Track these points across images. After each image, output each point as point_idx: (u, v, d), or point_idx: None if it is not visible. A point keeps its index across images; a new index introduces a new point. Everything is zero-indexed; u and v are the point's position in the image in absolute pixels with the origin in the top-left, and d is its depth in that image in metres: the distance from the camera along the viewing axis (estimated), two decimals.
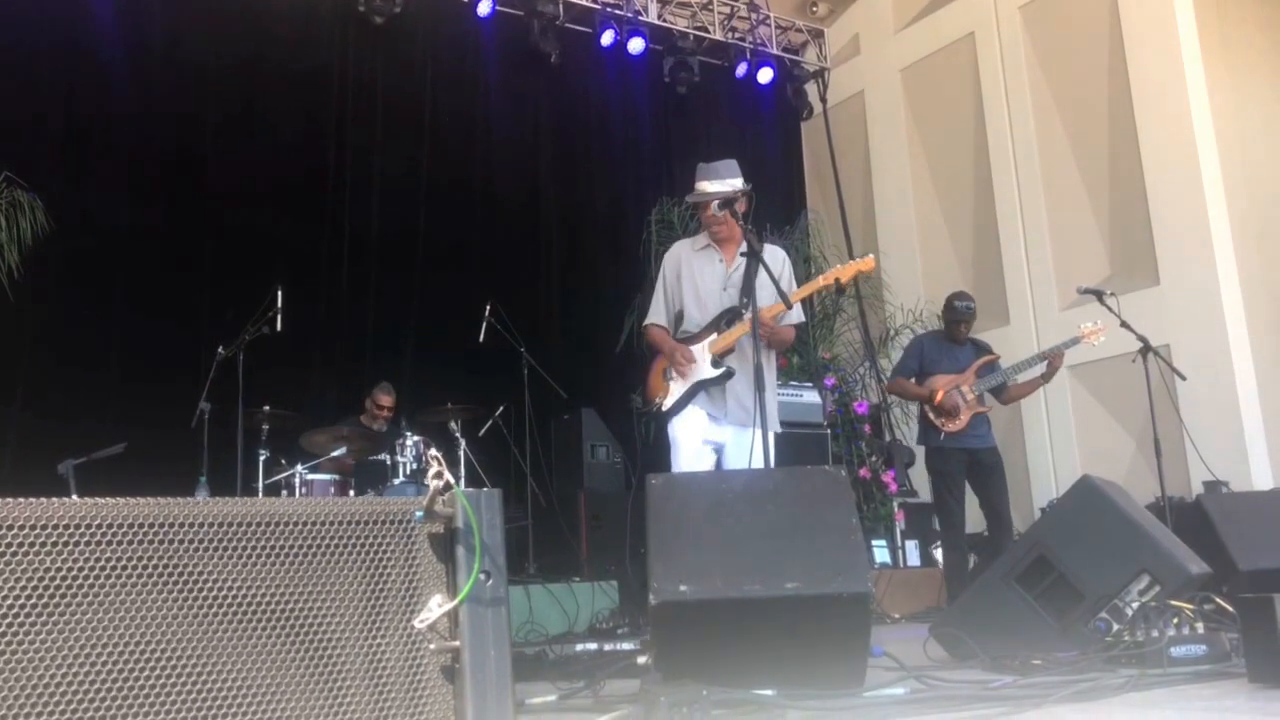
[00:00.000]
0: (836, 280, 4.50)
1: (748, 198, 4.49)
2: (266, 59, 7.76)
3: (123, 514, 1.75)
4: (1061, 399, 8.32)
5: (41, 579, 1.69)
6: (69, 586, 1.70)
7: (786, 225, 9.40)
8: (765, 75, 9.84)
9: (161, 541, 1.77)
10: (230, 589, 1.80)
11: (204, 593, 1.79)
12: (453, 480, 1.93)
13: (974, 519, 6.20)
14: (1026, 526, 6.72)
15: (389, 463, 6.43)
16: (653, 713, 2.55)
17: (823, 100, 10.44)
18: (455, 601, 1.91)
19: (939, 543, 7.78)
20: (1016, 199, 8.83)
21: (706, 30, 9.74)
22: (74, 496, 5.28)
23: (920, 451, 7.53)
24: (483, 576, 1.92)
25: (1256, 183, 8.30)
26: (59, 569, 1.70)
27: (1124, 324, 5.98)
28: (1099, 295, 6.14)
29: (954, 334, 6.17)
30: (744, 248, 4.39)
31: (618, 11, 9.15)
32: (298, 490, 6.15)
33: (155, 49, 7.45)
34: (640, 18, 9.23)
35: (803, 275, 8.71)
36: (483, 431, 6.99)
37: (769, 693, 2.81)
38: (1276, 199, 8.51)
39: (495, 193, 8.68)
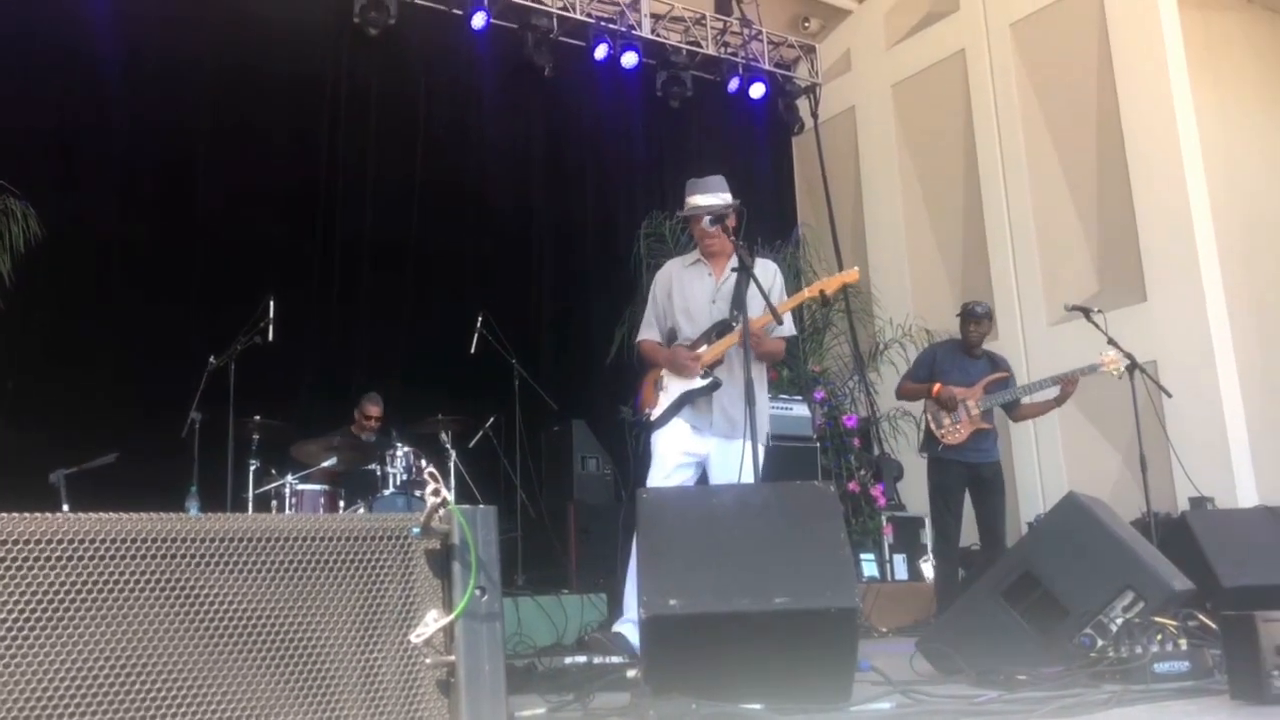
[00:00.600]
0: (821, 292, 4.53)
1: (738, 213, 4.53)
2: (261, 69, 7.77)
3: (121, 529, 1.77)
4: (1049, 415, 8.34)
5: (41, 594, 1.70)
6: (68, 601, 1.71)
7: (777, 239, 9.44)
8: (757, 90, 9.90)
9: (160, 556, 1.79)
10: (228, 604, 1.82)
11: (202, 607, 1.81)
12: (449, 497, 1.95)
13: (966, 533, 6.23)
14: (1013, 542, 6.76)
15: (379, 473, 6.44)
16: None
17: (814, 115, 10.50)
18: (451, 616, 1.94)
19: (927, 557, 7.82)
20: (1005, 215, 8.89)
21: (699, 45, 9.79)
22: (65, 506, 5.29)
23: (911, 465, 7.57)
24: (478, 592, 1.95)
25: (1242, 201, 8.39)
26: (59, 584, 1.71)
27: (1111, 341, 6.02)
28: (1086, 312, 6.18)
29: (967, 340, 6.11)
30: (734, 262, 4.43)
31: (611, 26, 9.20)
32: (288, 500, 6.16)
33: (149, 58, 7.45)
34: (634, 32, 9.28)
35: (793, 289, 8.75)
36: (473, 442, 7.00)
37: (757, 707, 2.83)
38: (1262, 218, 8.61)
39: (487, 204, 8.71)
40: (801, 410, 7.76)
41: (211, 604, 1.81)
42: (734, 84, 9.86)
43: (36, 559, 1.70)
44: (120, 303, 7.05)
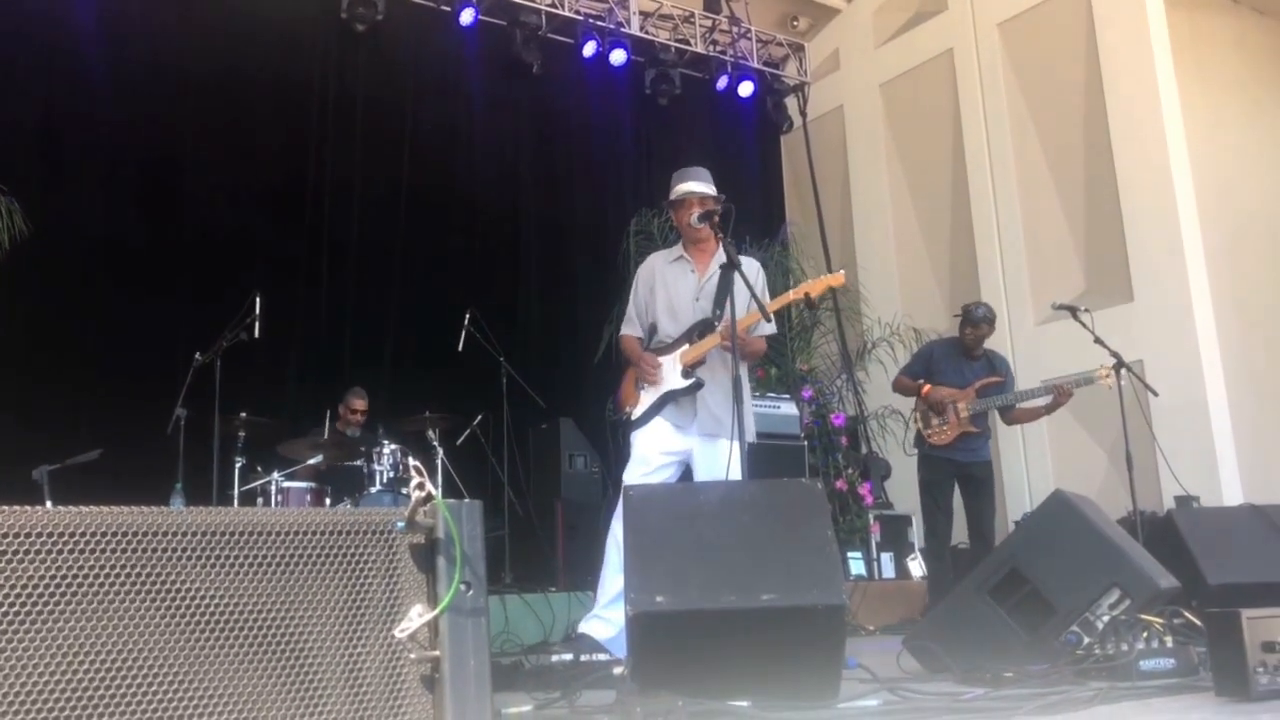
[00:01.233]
0: (807, 295, 4.52)
1: (726, 212, 4.50)
2: (247, 65, 7.74)
3: (103, 523, 1.75)
4: None
5: (21, 588, 1.69)
6: (49, 595, 1.70)
7: (765, 238, 9.45)
8: (746, 89, 9.90)
9: (142, 551, 1.77)
10: (210, 598, 1.81)
11: (184, 602, 1.79)
12: (434, 491, 1.94)
13: (956, 532, 6.25)
14: (1002, 539, 6.78)
15: (366, 471, 6.42)
16: None
17: (802, 114, 10.51)
18: (436, 611, 1.93)
19: (914, 555, 7.84)
20: (993, 214, 8.91)
21: (688, 43, 9.79)
22: (48, 502, 5.26)
23: (899, 464, 7.58)
24: (463, 587, 1.94)
25: (1229, 201, 8.42)
26: (39, 578, 1.70)
27: (1098, 340, 6.04)
28: (1073, 311, 6.19)
29: (964, 341, 6.11)
30: (720, 259, 4.42)
31: (600, 23, 9.19)
32: (274, 498, 6.13)
33: (136, 54, 7.42)
34: (622, 30, 9.27)
35: (781, 288, 8.75)
36: (460, 440, 6.99)
37: (744, 704, 2.83)
38: (1248, 217, 8.65)
39: (475, 201, 8.69)
40: (789, 409, 7.77)
41: (194, 599, 1.80)
42: (722, 82, 9.86)
43: (15, 553, 1.69)
44: (106, 299, 7.01)
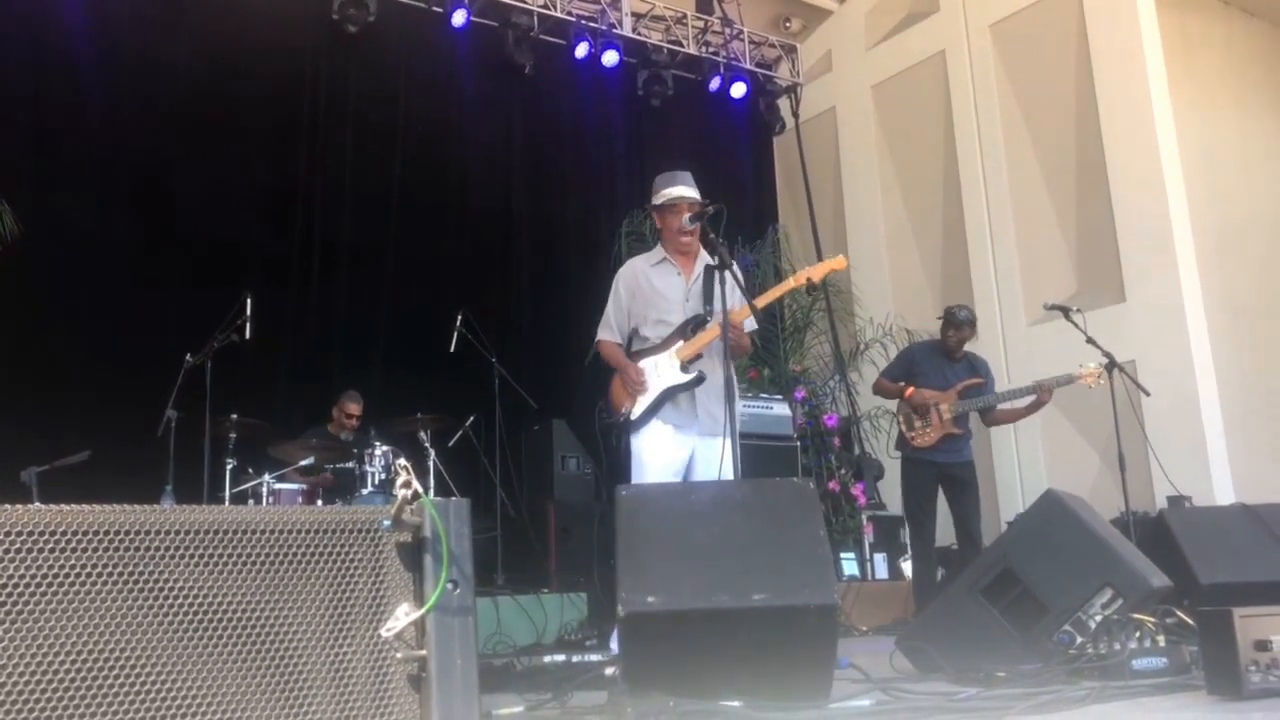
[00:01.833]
0: (809, 280, 4.50)
1: (719, 213, 4.50)
2: (238, 66, 7.72)
3: (88, 521, 1.74)
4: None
5: (5, 586, 1.67)
6: (33, 594, 1.68)
7: (757, 239, 9.46)
8: (738, 90, 9.90)
9: (127, 549, 1.76)
10: (196, 597, 1.79)
11: (169, 600, 1.78)
12: (421, 489, 1.93)
13: (944, 532, 6.25)
14: (995, 539, 6.78)
15: (357, 472, 6.40)
16: None
17: (795, 115, 10.51)
18: (422, 610, 1.91)
19: (907, 556, 7.83)
20: (985, 216, 8.92)
21: (680, 44, 9.79)
22: (36, 504, 5.21)
23: (891, 464, 7.58)
24: (450, 585, 1.92)
25: (1220, 202, 8.44)
26: (23, 576, 1.68)
27: (1090, 340, 6.05)
28: (1065, 311, 6.20)
29: (946, 343, 6.12)
30: (704, 261, 4.44)
31: (592, 24, 9.18)
32: (265, 499, 6.11)
33: (126, 55, 7.39)
34: (614, 30, 9.27)
35: (770, 288, 8.75)
36: (453, 442, 6.97)
37: (736, 704, 2.82)
38: (1239, 218, 8.66)
39: (467, 202, 8.67)
40: (782, 409, 7.76)
41: (179, 597, 1.78)
42: (715, 83, 9.85)
43: (1, 551, 1.67)
44: (96, 300, 6.98)
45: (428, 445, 6.59)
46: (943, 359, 6.12)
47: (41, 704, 1.66)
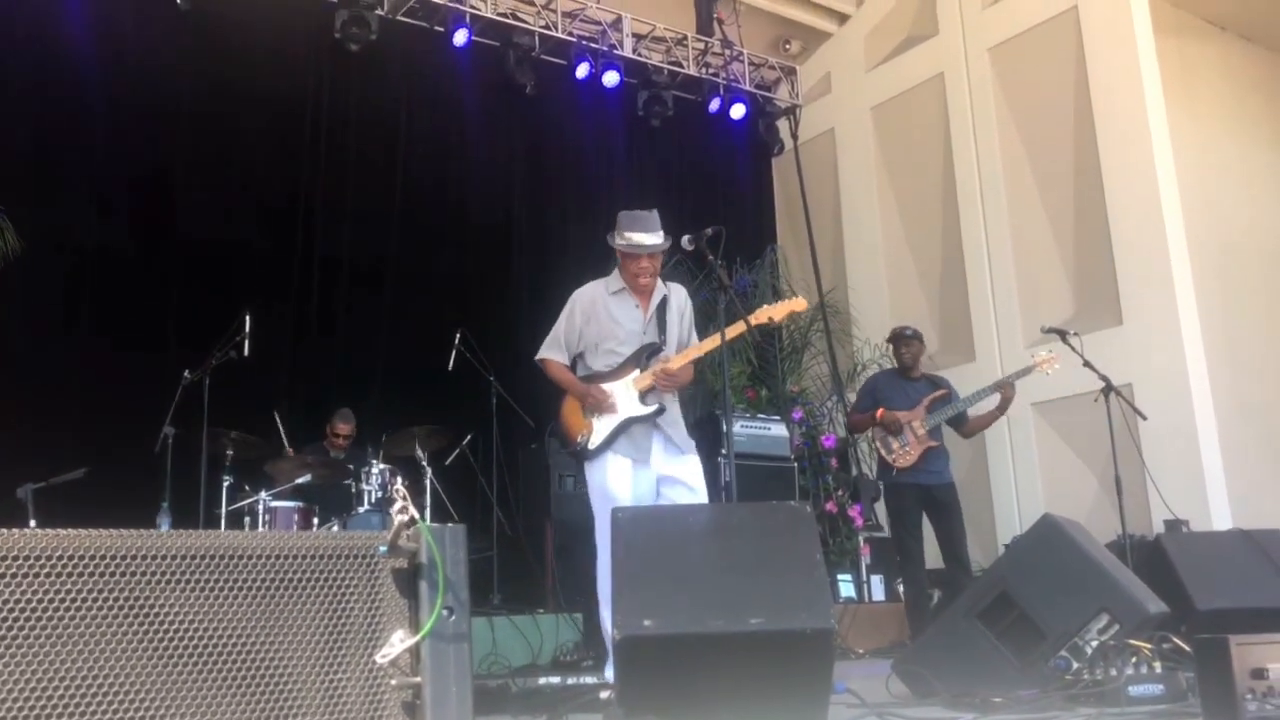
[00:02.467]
0: (770, 318, 4.53)
1: (718, 234, 4.49)
2: (241, 83, 7.73)
3: (84, 545, 1.74)
4: (1026, 436, 8.40)
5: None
6: (28, 618, 1.68)
7: (756, 259, 9.47)
8: (738, 111, 9.93)
9: (122, 574, 1.76)
10: (190, 622, 1.79)
11: (164, 626, 1.77)
12: (417, 515, 1.92)
13: (935, 555, 6.24)
14: (991, 562, 6.77)
15: (354, 490, 6.39)
16: None
17: (794, 136, 10.54)
18: (418, 637, 1.91)
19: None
20: (983, 238, 8.94)
21: (680, 65, 9.83)
22: (32, 521, 5.20)
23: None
24: (446, 612, 1.92)
25: (1217, 226, 8.47)
26: (18, 600, 1.68)
27: (1087, 364, 6.06)
28: (1062, 335, 6.23)
29: (901, 363, 6.32)
30: (661, 293, 4.52)
31: (593, 45, 9.22)
32: (261, 517, 6.09)
33: (129, 72, 7.41)
34: (615, 51, 9.30)
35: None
36: (450, 460, 6.96)
37: None
38: (1236, 243, 8.70)
39: (467, 221, 8.68)
40: (779, 430, 7.76)
41: (173, 622, 1.78)
42: (715, 104, 9.89)
43: None
44: (96, 315, 6.99)
45: (425, 463, 6.57)
46: (903, 381, 6.29)
47: None
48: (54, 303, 6.86)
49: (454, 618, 1.93)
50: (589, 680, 4.26)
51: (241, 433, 6.27)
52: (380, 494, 6.33)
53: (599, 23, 9.31)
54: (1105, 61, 8.16)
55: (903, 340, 6.31)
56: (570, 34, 9.17)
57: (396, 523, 1.92)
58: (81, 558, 1.74)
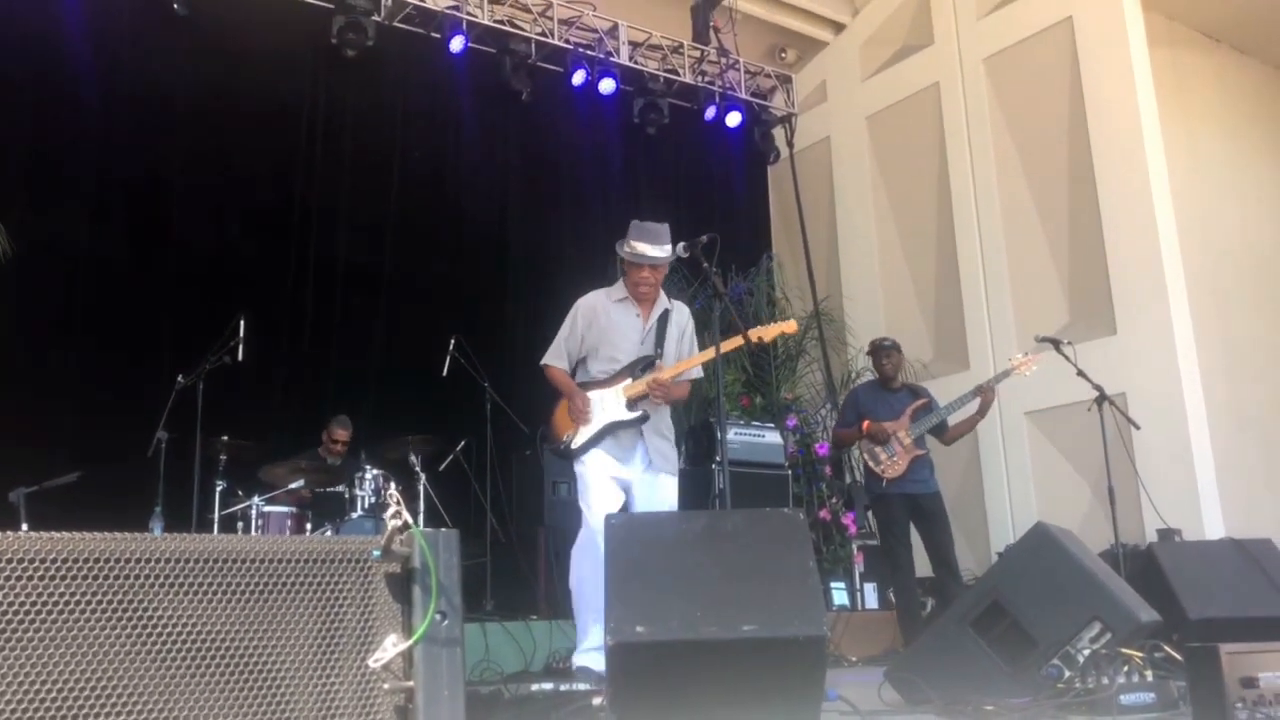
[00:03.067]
0: (759, 339, 4.63)
1: (713, 241, 4.53)
2: (237, 88, 7.74)
3: (76, 549, 1.73)
4: (1019, 445, 8.42)
5: None
6: (20, 621, 1.68)
7: (751, 267, 9.49)
8: (733, 119, 9.94)
9: (115, 577, 1.75)
10: (183, 626, 1.79)
11: (157, 629, 1.77)
12: (410, 520, 1.93)
13: (925, 564, 6.25)
14: (984, 570, 6.78)
15: (347, 496, 6.39)
16: None
17: (789, 145, 10.56)
18: (410, 641, 1.91)
19: None
20: (978, 247, 8.96)
21: (677, 73, 9.84)
22: (24, 525, 5.19)
23: None
24: (438, 617, 1.92)
25: (1210, 236, 8.50)
26: (10, 604, 1.67)
27: (1080, 373, 6.08)
28: (1056, 344, 6.24)
29: (883, 374, 6.37)
30: (663, 306, 4.66)
31: (589, 52, 9.23)
32: (254, 522, 6.09)
33: (123, 75, 7.41)
34: (612, 59, 9.32)
35: (766, 317, 8.79)
36: (443, 466, 6.95)
37: None
38: (1229, 252, 8.73)
39: (463, 227, 8.69)
40: (774, 437, 7.77)
41: (166, 626, 1.78)
42: (711, 112, 9.91)
43: None
44: (89, 320, 6.97)
45: (418, 469, 6.57)
46: (884, 393, 6.35)
47: None
48: (48, 306, 6.85)
49: (447, 623, 1.93)
50: (581, 687, 4.26)
51: (235, 438, 6.26)
52: (374, 499, 6.32)
53: (595, 30, 9.33)
54: (1100, 72, 8.20)
55: (883, 352, 6.36)
56: (566, 41, 9.19)
57: (390, 528, 1.92)
58: (74, 561, 1.74)
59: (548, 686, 4.32)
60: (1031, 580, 3.74)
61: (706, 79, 10.01)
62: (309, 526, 6.27)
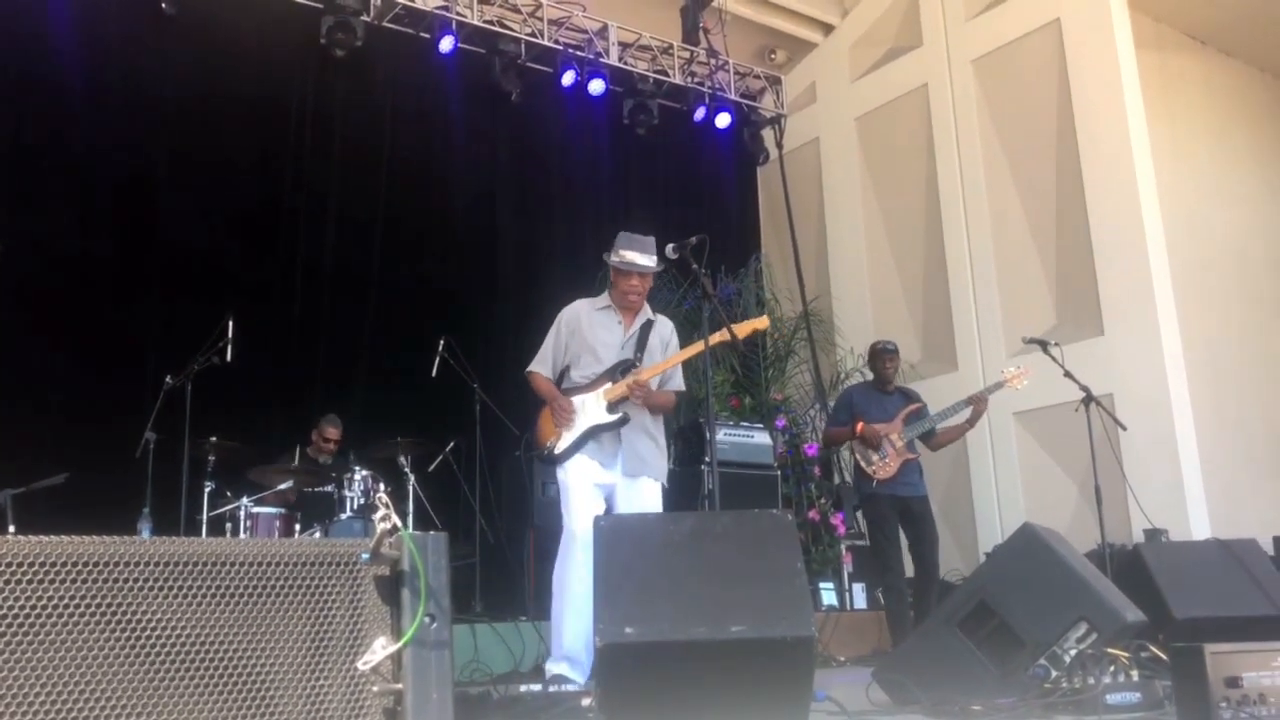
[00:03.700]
0: (734, 336, 4.63)
1: (701, 242, 4.54)
2: (226, 88, 7.72)
3: (64, 552, 1.73)
4: (1007, 446, 8.45)
5: None
6: (8, 626, 1.67)
7: (740, 268, 9.50)
8: (723, 120, 9.96)
9: (104, 581, 1.75)
10: (172, 629, 1.79)
11: (146, 633, 1.77)
12: (400, 523, 1.93)
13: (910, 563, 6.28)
14: (972, 571, 6.80)
15: (336, 497, 6.38)
16: None
17: (779, 146, 10.59)
18: (399, 644, 1.91)
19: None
20: (966, 248, 8.99)
21: (666, 74, 9.86)
22: (11, 528, 5.16)
23: None
24: (427, 619, 1.93)
25: (1197, 238, 8.55)
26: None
27: (1067, 374, 6.10)
28: (1043, 345, 6.27)
29: (880, 376, 6.37)
30: (645, 316, 4.74)
31: (579, 53, 9.24)
32: (243, 523, 6.08)
33: (112, 74, 7.39)
34: (601, 59, 9.33)
35: (755, 317, 8.79)
36: (433, 467, 6.95)
37: None
38: (1216, 254, 8.77)
39: (452, 228, 8.68)
40: (763, 438, 7.78)
41: (154, 630, 1.78)
42: (700, 113, 9.92)
43: None
44: (76, 320, 6.93)
45: (408, 470, 6.56)
46: (879, 395, 6.36)
47: None
48: (35, 308, 6.80)
49: (436, 625, 1.94)
50: (570, 688, 4.27)
51: (223, 439, 6.25)
52: (363, 501, 6.32)
53: (585, 31, 9.34)
54: (1087, 74, 8.23)
55: (885, 355, 6.37)
56: (556, 42, 9.19)
57: (379, 530, 1.93)
58: (62, 565, 1.74)
59: (536, 687, 4.32)
60: (1018, 581, 3.75)
61: (696, 80, 10.03)
62: (298, 527, 6.26)
